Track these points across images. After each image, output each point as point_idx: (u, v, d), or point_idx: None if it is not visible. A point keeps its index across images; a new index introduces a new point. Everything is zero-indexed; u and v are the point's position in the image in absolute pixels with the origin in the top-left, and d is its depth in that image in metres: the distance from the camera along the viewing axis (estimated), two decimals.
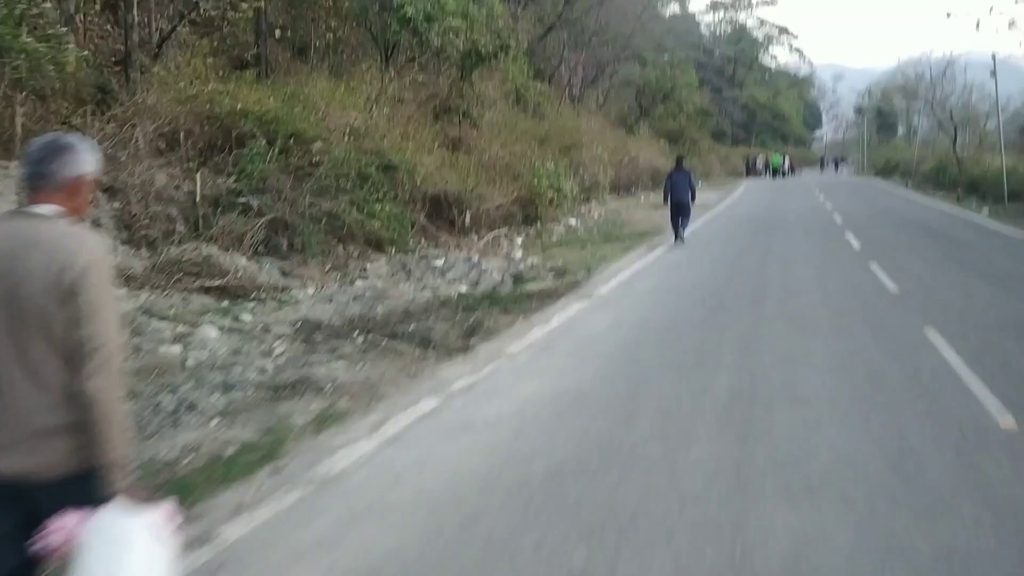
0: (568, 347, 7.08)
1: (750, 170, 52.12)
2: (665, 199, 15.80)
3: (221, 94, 11.71)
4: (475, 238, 15.08)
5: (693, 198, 15.76)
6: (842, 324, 7.90)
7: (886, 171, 48.65)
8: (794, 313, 8.47)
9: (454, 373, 6.21)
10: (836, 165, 65.30)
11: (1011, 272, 11.61)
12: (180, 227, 9.64)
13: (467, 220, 14.71)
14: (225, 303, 8.50)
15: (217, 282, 8.73)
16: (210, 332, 7.23)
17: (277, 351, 6.93)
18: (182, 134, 10.99)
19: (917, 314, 8.15)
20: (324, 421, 5.05)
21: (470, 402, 5.47)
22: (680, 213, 15.30)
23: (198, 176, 10.08)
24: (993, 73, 22.98)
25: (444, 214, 15.02)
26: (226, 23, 13.95)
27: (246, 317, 8.08)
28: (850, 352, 6.70)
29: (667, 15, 65.62)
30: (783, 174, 50.68)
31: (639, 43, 43.07)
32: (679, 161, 17.04)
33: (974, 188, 25.92)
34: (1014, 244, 15.45)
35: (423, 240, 13.94)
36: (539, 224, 18.01)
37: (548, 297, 9.38)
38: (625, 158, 27.89)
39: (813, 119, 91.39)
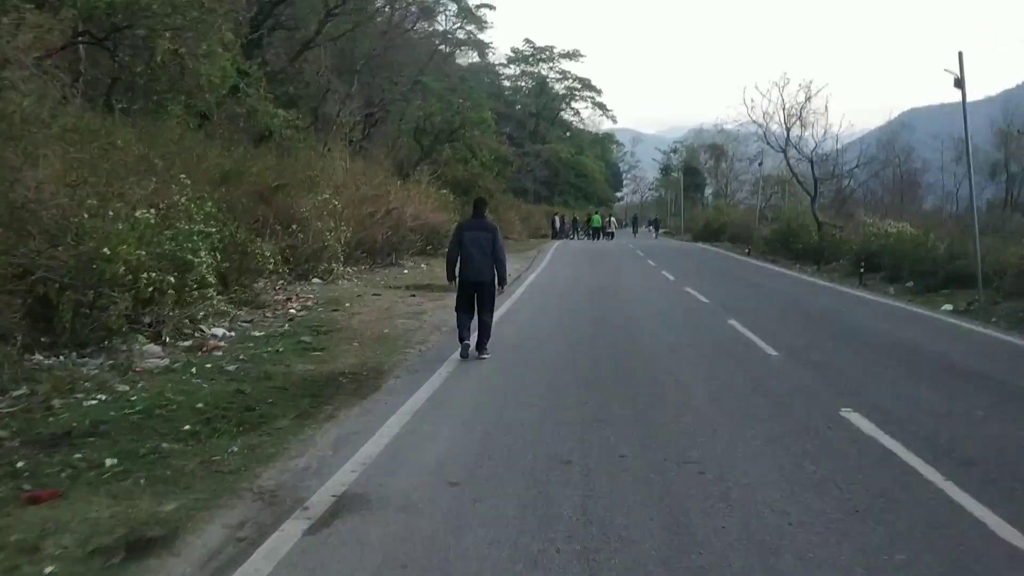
0: None
1: (556, 231, 46.70)
2: (451, 275, 8.85)
3: None
4: None
5: (502, 279, 8.83)
6: None
7: (707, 235, 42.65)
8: None
9: None
10: (655, 227, 59.55)
11: None
12: None
13: None
14: None
15: None
16: None
17: None
18: None
19: None
20: None
21: None
22: (478, 301, 8.68)
23: None
24: (961, 85, 15.59)
25: None
26: None
27: None
28: None
29: (466, 63, 58.78)
30: (605, 235, 46.55)
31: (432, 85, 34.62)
32: (479, 207, 9.14)
33: (871, 264, 18.65)
34: None
35: None
36: (103, 354, 7.49)
37: None
38: (381, 211, 18.08)
39: (615, 180, 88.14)
